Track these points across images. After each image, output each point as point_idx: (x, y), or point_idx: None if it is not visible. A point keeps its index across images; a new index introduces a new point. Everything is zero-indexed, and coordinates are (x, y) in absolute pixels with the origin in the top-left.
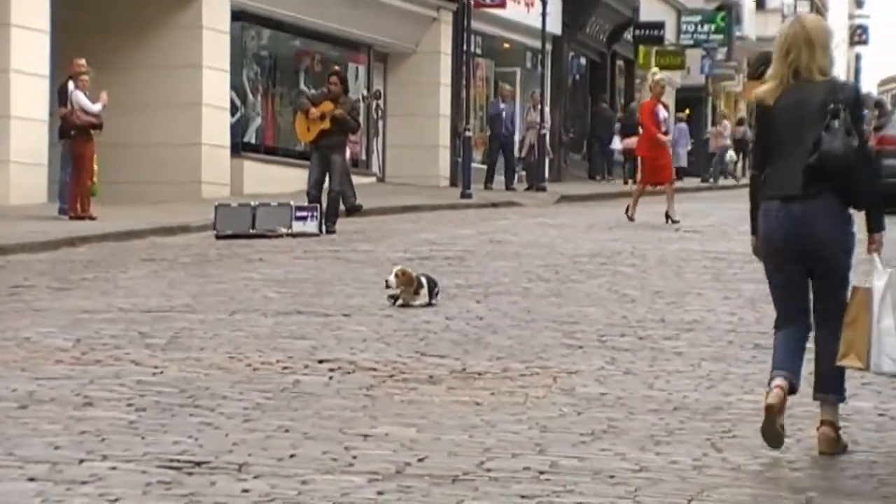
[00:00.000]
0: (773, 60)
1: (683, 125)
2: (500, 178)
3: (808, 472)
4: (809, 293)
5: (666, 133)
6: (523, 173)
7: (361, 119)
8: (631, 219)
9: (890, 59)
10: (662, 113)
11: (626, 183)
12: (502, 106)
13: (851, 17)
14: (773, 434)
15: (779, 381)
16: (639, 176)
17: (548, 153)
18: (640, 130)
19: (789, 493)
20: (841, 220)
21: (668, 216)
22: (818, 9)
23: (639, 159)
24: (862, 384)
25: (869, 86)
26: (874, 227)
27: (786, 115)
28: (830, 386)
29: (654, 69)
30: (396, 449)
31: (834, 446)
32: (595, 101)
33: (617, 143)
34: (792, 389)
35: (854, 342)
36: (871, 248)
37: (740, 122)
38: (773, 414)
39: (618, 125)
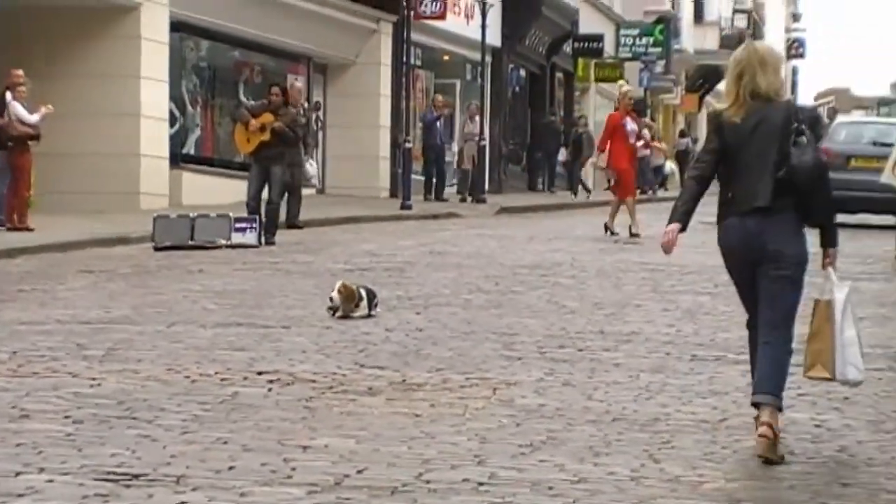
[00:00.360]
0: (727, 83)
1: None
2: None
3: (744, 483)
4: None
5: (647, 144)
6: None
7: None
8: (636, 235)
9: (826, 72)
10: (630, 125)
11: (574, 195)
12: (434, 115)
13: (788, 30)
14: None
15: (765, 416)
16: (619, 190)
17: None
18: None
19: None
20: (796, 234)
21: (607, 227)
22: (755, 22)
23: (616, 172)
24: (798, 395)
25: (806, 99)
26: (829, 242)
27: (751, 133)
28: (772, 388)
29: (622, 81)
30: (335, 460)
31: (771, 450)
32: (543, 114)
33: (562, 155)
34: (779, 409)
35: (820, 353)
36: (826, 263)
37: (682, 135)
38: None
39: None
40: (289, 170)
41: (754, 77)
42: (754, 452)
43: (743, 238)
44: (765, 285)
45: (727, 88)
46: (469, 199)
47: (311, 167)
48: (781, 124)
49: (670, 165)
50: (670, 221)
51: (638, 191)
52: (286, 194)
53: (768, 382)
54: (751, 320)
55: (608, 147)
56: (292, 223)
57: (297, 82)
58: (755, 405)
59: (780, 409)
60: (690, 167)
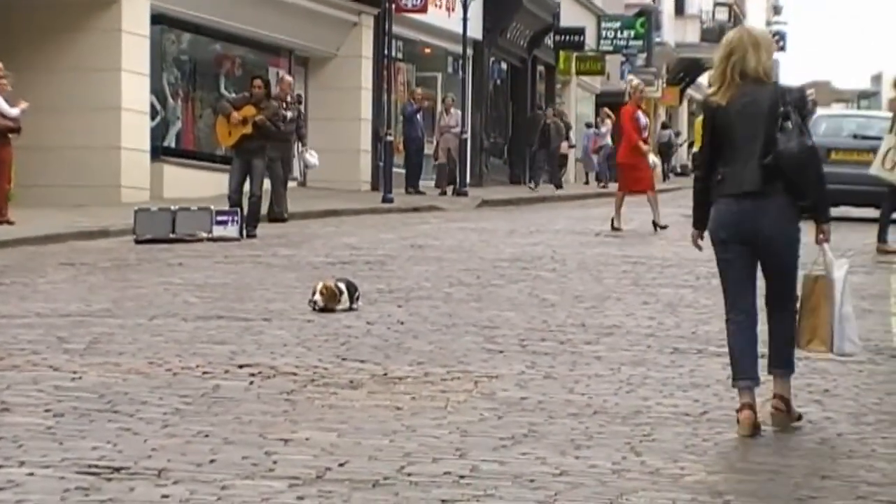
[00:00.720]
0: (715, 65)
1: (591, 131)
2: (425, 184)
3: (725, 476)
4: (756, 284)
5: (646, 140)
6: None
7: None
8: (618, 229)
9: (807, 65)
10: (643, 119)
11: (557, 187)
12: (414, 107)
13: (769, 23)
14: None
15: (747, 398)
16: (618, 183)
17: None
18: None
19: (707, 497)
20: (788, 217)
21: (655, 224)
22: (736, 15)
23: (617, 166)
24: None
25: None
26: (821, 218)
27: (738, 116)
28: (783, 362)
29: (630, 76)
30: (317, 454)
31: (785, 419)
32: (526, 107)
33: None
34: (755, 384)
35: (817, 328)
36: (820, 239)
37: (664, 127)
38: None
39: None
40: (277, 163)
41: (744, 56)
42: (771, 424)
43: (738, 219)
44: (766, 280)
45: (715, 69)
46: (449, 191)
47: (312, 157)
48: (768, 108)
49: (653, 158)
50: (694, 225)
51: (600, 183)
52: (272, 187)
53: (782, 356)
54: (729, 307)
55: (626, 140)
56: (277, 216)
57: (287, 76)
58: (770, 370)
59: (792, 373)
60: (695, 166)
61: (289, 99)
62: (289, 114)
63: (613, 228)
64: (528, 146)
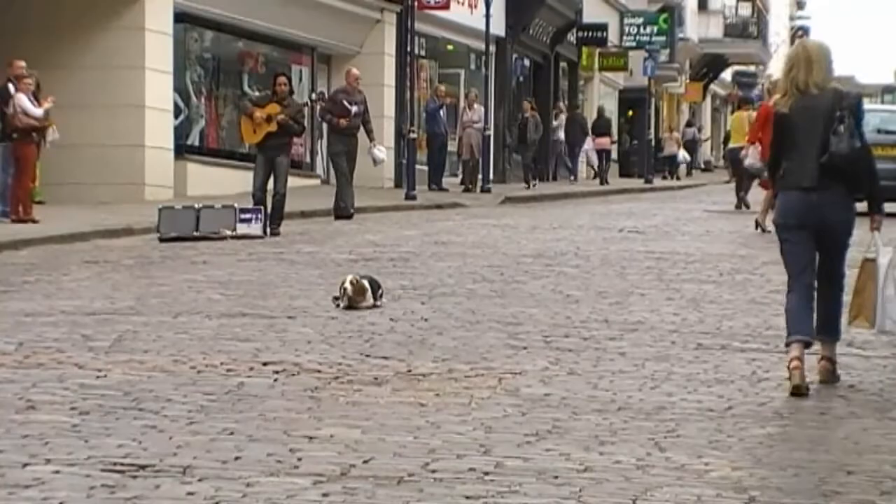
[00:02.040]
0: (781, 77)
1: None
2: (451, 180)
3: (749, 471)
4: (815, 266)
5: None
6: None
7: (305, 121)
8: (766, 230)
9: None
10: None
11: (602, 183)
12: (437, 104)
13: (793, 18)
14: (802, 392)
15: (796, 352)
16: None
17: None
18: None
19: (732, 493)
20: (846, 206)
21: (758, 223)
22: (759, 10)
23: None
24: None
25: None
26: (875, 208)
27: (799, 120)
28: (830, 329)
29: (770, 73)
30: (341, 450)
31: (830, 377)
32: (548, 104)
33: (587, 144)
34: (807, 345)
35: (863, 306)
36: (873, 227)
37: (689, 124)
38: (801, 390)
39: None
40: (342, 158)
41: (799, 72)
42: (819, 378)
43: (804, 210)
44: (822, 258)
45: (780, 81)
46: (472, 187)
47: (381, 151)
48: (826, 113)
49: (683, 154)
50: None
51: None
52: (337, 182)
53: (829, 324)
54: (792, 281)
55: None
56: (342, 212)
57: (354, 69)
58: (806, 344)
59: (838, 339)
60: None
61: (322, 95)
62: (354, 108)
63: (763, 230)
64: (569, 144)
